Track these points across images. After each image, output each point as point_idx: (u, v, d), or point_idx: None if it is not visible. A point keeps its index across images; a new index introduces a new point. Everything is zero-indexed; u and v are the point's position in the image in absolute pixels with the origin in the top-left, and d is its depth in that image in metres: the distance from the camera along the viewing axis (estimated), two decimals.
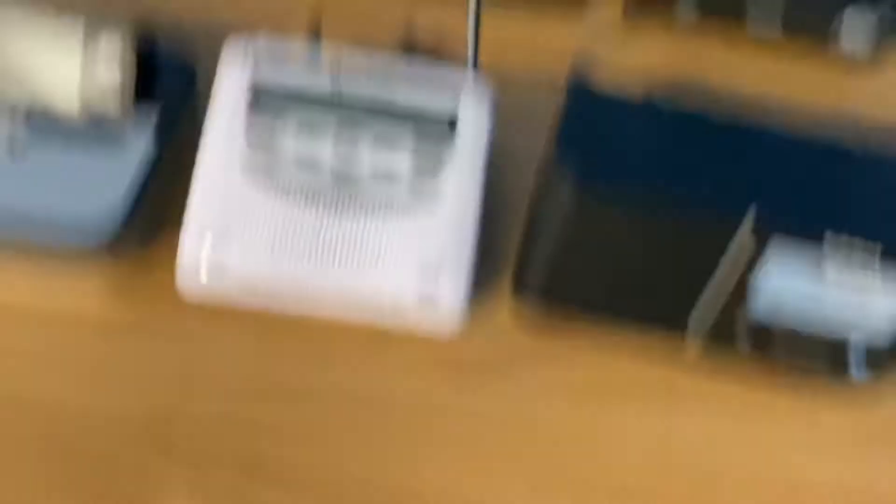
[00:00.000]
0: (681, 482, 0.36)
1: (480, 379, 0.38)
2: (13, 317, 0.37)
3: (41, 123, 0.38)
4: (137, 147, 0.38)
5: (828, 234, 0.33)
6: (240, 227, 0.36)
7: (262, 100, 0.37)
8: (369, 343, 0.38)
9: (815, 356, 0.37)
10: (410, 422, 0.36)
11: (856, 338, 0.35)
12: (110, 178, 0.37)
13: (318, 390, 0.37)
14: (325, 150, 0.37)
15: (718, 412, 0.38)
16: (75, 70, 0.38)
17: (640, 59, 0.49)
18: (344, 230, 0.36)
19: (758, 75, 0.48)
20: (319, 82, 0.38)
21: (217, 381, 0.36)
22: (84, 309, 0.38)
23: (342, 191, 0.37)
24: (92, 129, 0.38)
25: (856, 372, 0.37)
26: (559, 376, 0.38)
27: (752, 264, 0.34)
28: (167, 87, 0.40)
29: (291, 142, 0.37)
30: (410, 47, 0.43)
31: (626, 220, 0.34)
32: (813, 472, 0.37)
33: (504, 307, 0.39)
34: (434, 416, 0.36)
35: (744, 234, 0.33)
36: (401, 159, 0.37)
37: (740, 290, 0.35)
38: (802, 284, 0.34)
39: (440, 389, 0.37)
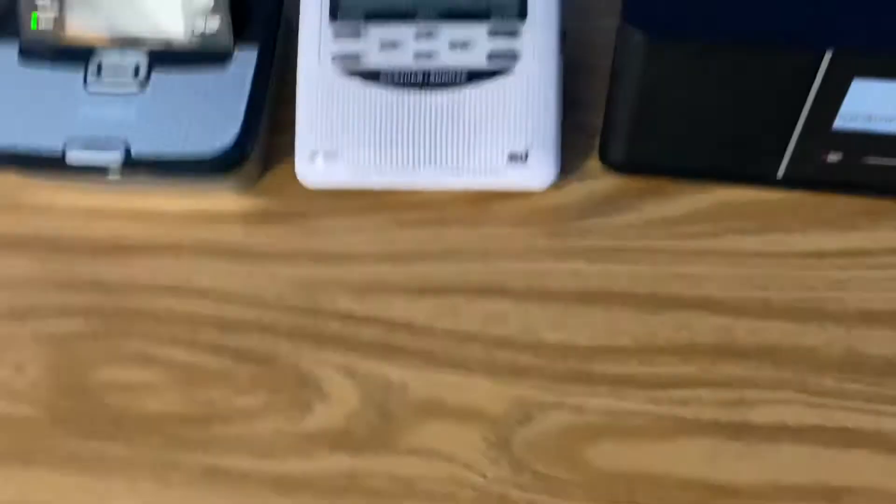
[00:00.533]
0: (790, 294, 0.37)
1: (579, 222, 0.39)
2: (165, 218, 0.42)
3: (159, 53, 0.41)
4: (246, 64, 0.41)
5: None
6: (340, 118, 0.39)
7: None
8: (475, 204, 0.40)
9: None
10: (519, 271, 0.39)
11: None
12: (228, 98, 0.40)
13: (434, 252, 0.40)
14: (404, 30, 0.39)
15: (815, 225, 0.38)
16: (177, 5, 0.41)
17: None
18: (433, 103, 0.39)
19: None
20: None
21: (353, 255, 0.40)
22: (221, 205, 0.42)
23: (426, 65, 0.39)
24: (202, 54, 0.41)
25: None
26: (657, 210, 0.39)
27: (835, 95, 0.33)
28: (256, 12, 0.42)
29: (372, 28, 0.40)
30: None
31: (703, 72, 0.34)
32: None
33: (596, 158, 0.41)
34: (541, 264, 0.39)
35: (825, 69, 0.32)
36: (477, 27, 0.39)
37: (824, 115, 0.34)
38: (889, 104, 0.33)
39: (540, 237, 0.39)
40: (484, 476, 0.35)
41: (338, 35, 0.40)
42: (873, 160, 0.35)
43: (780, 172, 0.37)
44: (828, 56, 0.32)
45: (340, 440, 0.37)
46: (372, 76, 0.39)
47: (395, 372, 0.37)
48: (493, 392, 0.37)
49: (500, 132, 0.38)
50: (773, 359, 0.35)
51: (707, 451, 0.34)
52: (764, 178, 0.38)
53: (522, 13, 0.39)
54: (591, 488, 0.35)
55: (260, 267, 0.41)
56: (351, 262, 0.40)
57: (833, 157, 0.36)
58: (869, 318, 0.36)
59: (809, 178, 0.37)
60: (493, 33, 0.39)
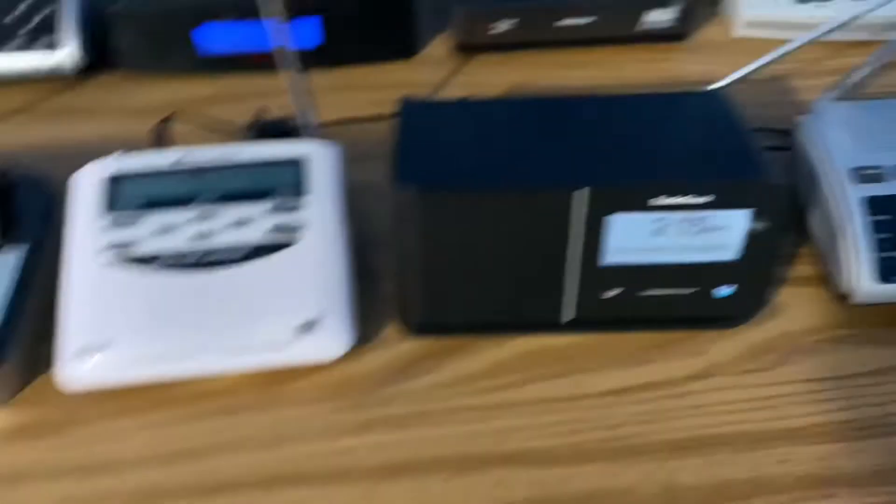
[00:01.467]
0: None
1: (381, 390, 0.37)
2: None
3: None
4: (10, 264, 0.38)
5: (650, 202, 0.34)
6: (112, 309, 0.36)
7: (116, 186, 0.39)
8: (266, 387, 0.37)
9: (679, 283, 0.37)
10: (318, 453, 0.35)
11: (709, 258, 0.36)
12: None
13: (224, 444, 0.36)
14: (182, 215, 0.38)
15: (611, 363, 0.38)
16: None
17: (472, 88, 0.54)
18: (211, 283, 0.37)
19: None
20: (168, 161, 0.40)
21: (128, 461, 0.35)
22: None
23: (204, 245, 0.37)
24: None
25: (718, 291, 0.37)
26: (459, 368, 0.38)
27: (596, 232, 0.35)
28: (28, 211, 0.40)
29: (148, 215, 0.38)
30: (262, 133, 0.47)
31: (473, 223, 0.35)
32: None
33: (392, 323, 0.39)
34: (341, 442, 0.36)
35: (580, 208, 0.34)
36: (256, 204, 0.39)
37: (593, 252, 0.36)
38: (647, 236, 0.35)
39: (339, 412, 0.37)
40: None
41: (113, 225, 0.38)
42: (650, 292, 0.37)
43: (566, 316, 0.38)
44: (579, 195, 0.34)
45: None
46: (146, 262, 0.37)
47: None
48: None
49: (285, 304, 0.37)
50: None
51: None
52: (552, 324, 0.38)
53: (303, 190, 0.39)
54: None
55: (12, 492, 0.34)
56: (126, 470, 0.35)
57: (611, 294, 0.37)
58: (678, 448, 0.35)
59: (595, 318, 0.38)
60: (275, 209, 0.39)
